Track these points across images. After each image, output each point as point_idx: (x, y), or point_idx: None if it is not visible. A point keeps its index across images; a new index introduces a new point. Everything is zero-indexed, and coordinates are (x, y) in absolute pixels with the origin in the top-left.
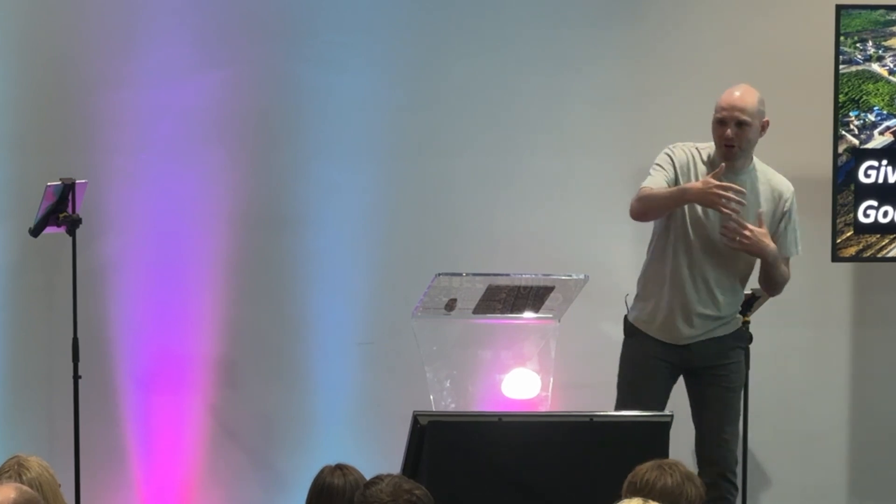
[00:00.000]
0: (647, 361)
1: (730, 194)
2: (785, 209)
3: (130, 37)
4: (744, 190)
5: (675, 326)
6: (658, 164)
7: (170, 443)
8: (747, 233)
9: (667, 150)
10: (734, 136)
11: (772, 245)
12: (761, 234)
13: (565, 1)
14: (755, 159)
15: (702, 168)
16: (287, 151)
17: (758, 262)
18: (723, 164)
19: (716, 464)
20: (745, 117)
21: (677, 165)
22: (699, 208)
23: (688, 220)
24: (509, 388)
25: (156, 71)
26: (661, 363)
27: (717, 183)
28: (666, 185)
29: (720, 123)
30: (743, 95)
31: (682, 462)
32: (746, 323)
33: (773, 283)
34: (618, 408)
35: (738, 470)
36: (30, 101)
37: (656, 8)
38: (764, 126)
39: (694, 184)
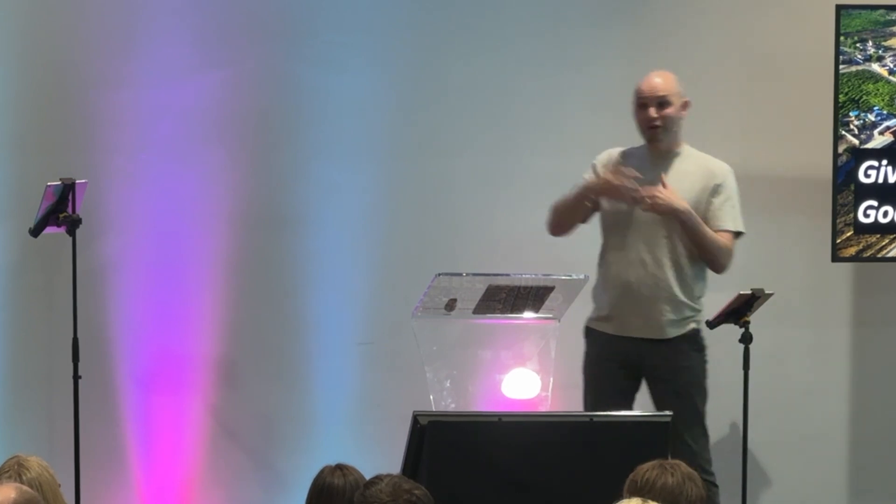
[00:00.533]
0: (601, 362)
1: (624, 181)
2: (717, 182)
3: (130, 37)
4: (635, 173)
5: (626, 316)
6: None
7: (170, 443)
8: (656, 193)
9: (594, 164)
10: (657, 116)
11: (682, 203)
12: (668, 193)
13: (565, 1)
14: (685, 144)
15: (634, 160)
16: (287, 151)
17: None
18: (619, 166)
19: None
20: (664, 95)
21: (600, 172)
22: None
23: (611, 213)
24: (509, 388)
25: (156, 71)
26: (615, 363)
27: (610, 172)
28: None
29: (642, 108)
30: (661, 76)
31: (682, 462)
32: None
33: (705, 250)
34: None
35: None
36: (30, 101)
37: (656, 8)
38: (684, 106)
39: (590, 180)
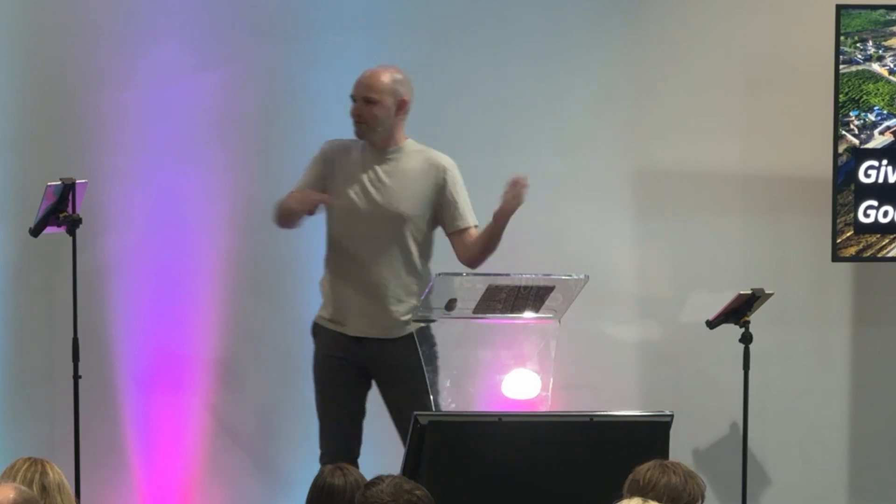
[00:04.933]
0: (329, 361)
1: (314, 199)
2: (447, 179)
3: (130, 37)
4: (324, 197)
5: (352, 315)
6: (307, 167)
7: (170, 443)
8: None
9: (320, 148)
10: (361, 113)
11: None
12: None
13: (565, 1)
14: (410, 140)
15: (354, 156)
16: (287, 151)
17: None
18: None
19: None
20: (371, 94)
21: (327, 161)
22: (352, 198)
23: (338, 214)
24: (509, 389)
25: (156, 71)
26: (344, 362)
27: (304, 193)
28: (306, 188)
29: (353, 101)
30: (372, 74)
31: (682, 462)
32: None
33: (493, 247)
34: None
35: None
36: (30, 101)
37: (657, 8)
38: (400, 105)
39: (293, 195)
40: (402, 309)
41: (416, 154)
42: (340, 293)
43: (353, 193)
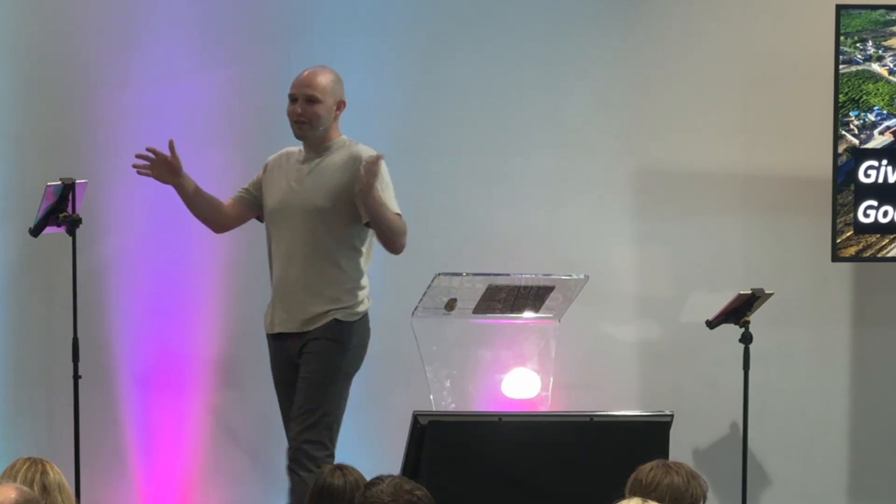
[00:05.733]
0: (273, 359)
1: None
2: (362, 169)
3: (130, 37)
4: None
5: (277, 310)
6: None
7: (170, 443)
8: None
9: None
10: (303, 112)
11: (383, 200)
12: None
13: (565, 1)
14: (343, 137)
15: (293, 160)
16: None
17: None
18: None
19: (291, 438)
20: (315, 93)
21: (267, 168)
22: (275, 198)
23: (267, 216)
24: (509, 388)
25: (156, 71)
26: (281, 358)
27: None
28: (246, 188)
29: (292, 101)
30: (314, 73)
31: (684, 462)
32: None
33: (391, 231)
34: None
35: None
36: (30, 101)
37: (657, 8)
38: (339, 105)
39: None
40: (319, 302)
41: (343, 150)
42: (273, 289)
43: (277, 193)
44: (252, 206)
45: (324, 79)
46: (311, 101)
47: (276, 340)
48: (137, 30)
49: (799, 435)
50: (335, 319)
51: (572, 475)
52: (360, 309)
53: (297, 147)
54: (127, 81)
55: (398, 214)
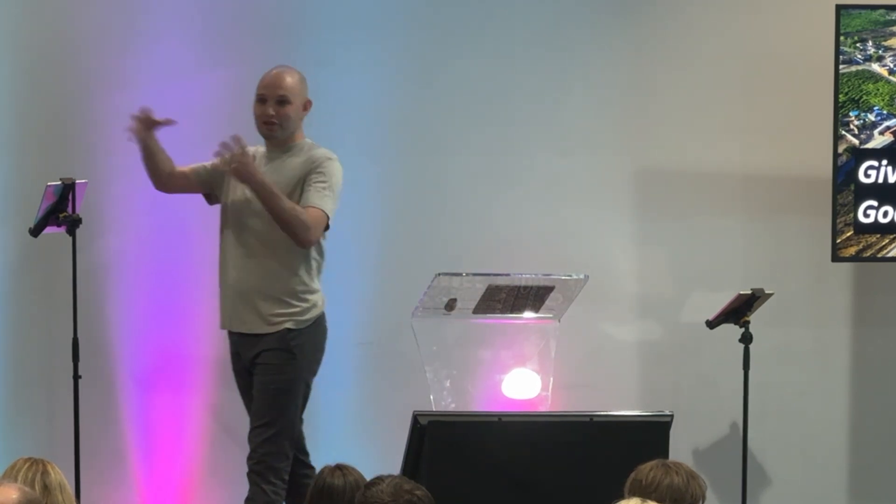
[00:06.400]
0: (231, 358)
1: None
2: (313, 167)
3: (131, 37)
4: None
5: (227, 310)
6: None
7: (170, 443)
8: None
9: None
10: (275, 113)
11: (261, 175)
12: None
13: (566, 2)
14: (308, 141)
15: (256, 161)
16: None
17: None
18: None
19: (253, 449)
20: (285, 94)
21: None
22: (229, 198)
23: (221, 214)
24: (509, 389)
25: (156, 71)
26: (235, 359)
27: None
28: (195, 167)
29: (261, 102)
30: (282, 74)
31: (684, 462)
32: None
33: (283, 222)
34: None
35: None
36: (30, 101)
37: (656, 7)
38: (305, 106)
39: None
40: (270, 304)
41: (305, 150)
42: (222, 289)
43: (231, 193)
44: (202, 183)
45: (292, 79)
46: (282, 102)
47: (231, 336)
48: (137, 30)
49: (799, 435)
50: (287, 328)
51: (572, 475)
52: (312, 314)
53: (262, 147)
54: (127, 81)
55: (319, 209)
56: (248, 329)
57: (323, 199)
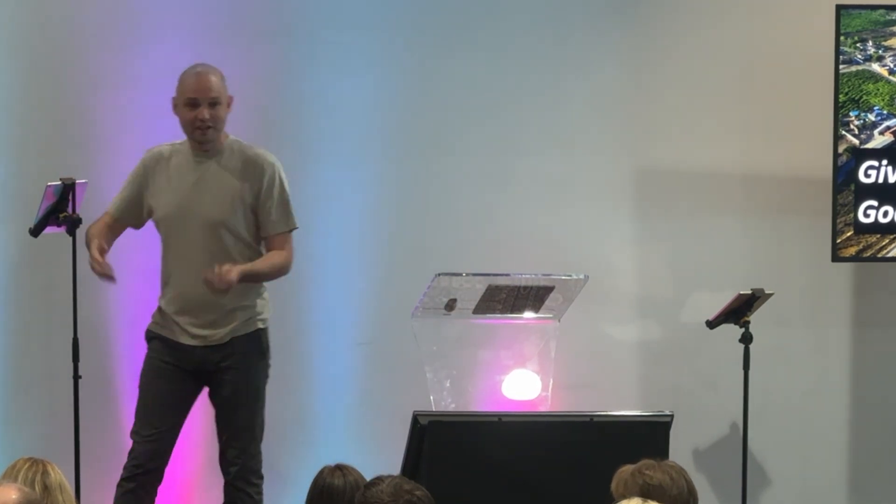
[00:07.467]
0: (161, 367)
1: (97, 268)
2: (264, 181)
3: (131, 37)
4: (105, 272)
5: (182, 321)
6: (124, 183)
7: None
8: (211, 281)
9: (140, 160)
10: (210, 117)
11: (237, 270)
12: (222, 272)
13: (565, 1)
14: (231, 137)
15: (175, 162)
16: (286, 151)
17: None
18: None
19: (235, 457)
20: (217, 96)
21: (148, 172)
22: (171, 206)
23: (161, 223)
24: (509, 389)
25: (156, 71)
26: (175, 368)
27: (93, 257)
28: (119, 207)
29: (192, 106)
30: (209, 75)
31: (676, 462)
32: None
33: (271, 279)
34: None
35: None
36: (30, 101)
37: (656, 8)
38: (229, 103)
39: (92, 244)
40: (238, 310)
41: (237, 153)
42: (172, 299)
43: (170, 198)
44: (120, 230)
45: (217, 78)
46: (214, 104)
47: (178, 346)
48: (137, 30)
49: (799, 435)
50: (259, 329)
51: (572, 475)
52: (269, 314)
53: (167, 146)
54: (127, 81)
55: (288, 231)
56: (219, 340)
57: (288, 218)
